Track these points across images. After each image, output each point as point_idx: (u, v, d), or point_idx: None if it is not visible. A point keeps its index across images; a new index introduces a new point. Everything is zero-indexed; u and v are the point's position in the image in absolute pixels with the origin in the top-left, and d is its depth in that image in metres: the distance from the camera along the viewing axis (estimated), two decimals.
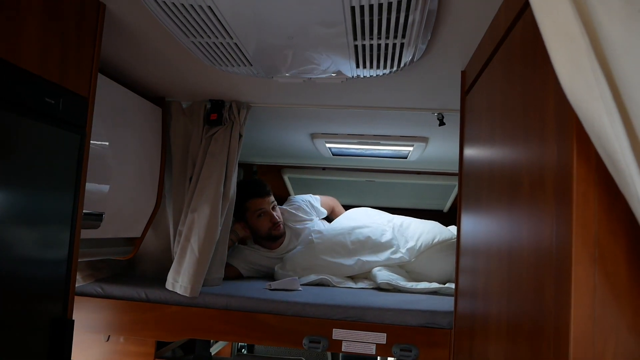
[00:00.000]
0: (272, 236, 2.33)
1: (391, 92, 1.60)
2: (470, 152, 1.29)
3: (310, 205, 2.58)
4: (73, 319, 1.08)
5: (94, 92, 1.09)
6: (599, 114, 0.53)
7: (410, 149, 2.35)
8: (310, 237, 2.28)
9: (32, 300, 1.00)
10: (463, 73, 1.39)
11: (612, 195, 0.59)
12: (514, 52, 0.90)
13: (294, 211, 2.50)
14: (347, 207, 2.73)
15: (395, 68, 1.29)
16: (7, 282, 0.92)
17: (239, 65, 1.32)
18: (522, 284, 0.77)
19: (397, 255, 2.17)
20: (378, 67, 1.27)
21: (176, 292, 1.72)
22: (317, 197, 2.69)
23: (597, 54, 0.53)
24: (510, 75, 0.91)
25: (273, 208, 2.35)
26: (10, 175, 0.89)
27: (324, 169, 3.10)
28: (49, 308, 1.05)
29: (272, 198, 2.37)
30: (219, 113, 1.77)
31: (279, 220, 2.34)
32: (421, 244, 2.16)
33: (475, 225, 1.17)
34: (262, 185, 2.37)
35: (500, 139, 0.97)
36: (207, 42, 1.16)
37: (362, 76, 1.35)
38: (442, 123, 1.81)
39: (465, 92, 1.37)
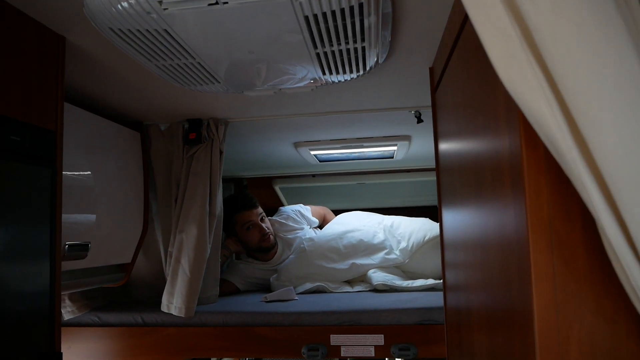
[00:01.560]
0: (263, 248, 2.33)
1: (364, 95, 1.61)
2: (443, 147, 1.30)
3: (301, 215, 2.59)
4: (61, 351, 1.07)
5: (62, 125, 1.09)
6: (538, 104, 0.53)
7: (395, 148, 2.35)
8: (302, 246, 2.29)
9: (17, 337, 1.00)
10: (431, 69, 1.40)
11: (565, 181, 0.60)
12: (469, 47, 0.91)
13: (283, 221, 2.50)
14: (340, 212, 2.73)
15: (362, 72, 1.30)
16: None
17: (207, 84, 1.33)
18: (493, 275, 0.77)
19: (391, 257, 2.18)
20: (344, 72, 1.28)
21: (172, 314, 1.72)
22: (308, 207, 2.70)
23: (529, 46, 0.53)
24: (468, 71, 0.92)
25: (262, 219, 2.36)
26: None
27: (313, 176, 3.10)
28: (35, 342, 1.05)
29: (259, 210, 2.38)
30: (197, 132, 1.78)
31: (268, 231, 2.35)
32: (413, 244, 2.17)
33: (454, 220, 1.17)
34: (248, 198, 2.39)
35: (465, 134, 0.97)
36: (170, 65, 1.17)
37: (330, 82, 1.36)
38: (420, 120, 1.82)
39: (434, 89, 1.38)
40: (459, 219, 1.10)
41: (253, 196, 2.42)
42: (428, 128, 2.01)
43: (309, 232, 2.52)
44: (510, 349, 0.68)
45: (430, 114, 1.79)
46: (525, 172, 0.60)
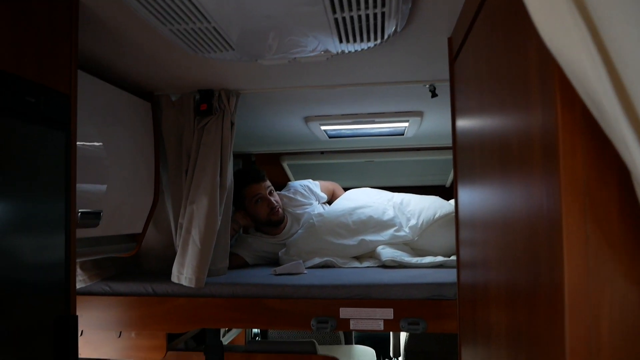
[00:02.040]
0: (272, 221, 2.33)
1: (379, 67, 1.58)
2: (462, 122, 1.28)
3: (309, 190, 2.58)
4: (77, 314, 1.08)
5: (76, 89, 1.08)
6: (579, 57, 0.51)
7: (406, 124, 2.32)
8: (311, 221, 2.28)
9: (34, 302, 1.00)
10: (449, 40, 1.36)
11: (600, 143, 0.58)
12: (495, 14, 0.88)
13: (292, 196, 2.49)
14: (348, 190, 2.72)
15: (379, 40, 1.27)
16: (7, 286, 0.92)
17: (222, 51, 1.30)
18: (516, 246, 0.76)
19: (401, 234, 2.17)
20: (362, 40, 1.25)
21: (182, 284, 1.73)
22: (317, 182, 2.68)
23: None
24: (494, 39, 0.89)
25: (270, 193, 2.35)
26: None
27: (322, 152, 3.08)
28: (51, 308, 1.05)
29: (267, 183, 2.36)
30: (208, 103, 1.76)
31: (276, 204, 2.34)
32: (422, 221, 2.15)
33: (472, 197, 1.16)
34: (256, 171, 2.37)
35: (488, 108, 0.95)
36: (185, 29, 1.14)
37: (346, 51, 1.33)
38: (434, 94, 1.79)
39: (452, 59, 1.35)
40: (477, 196, 1.08)
41: (262, 170, 2.40)
42: (441, 104, 1.99)
43: (317, 208, 2.52)
44: (534, 320, 0.67)
45: (445, 88, 1.78)
46: (560, 133, 0.58)
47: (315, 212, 2.42)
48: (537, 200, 0.66)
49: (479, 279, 1.08)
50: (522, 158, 0.72)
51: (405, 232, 2.17)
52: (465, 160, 1.24)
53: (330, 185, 2.77)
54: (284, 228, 2.38)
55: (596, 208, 0.57)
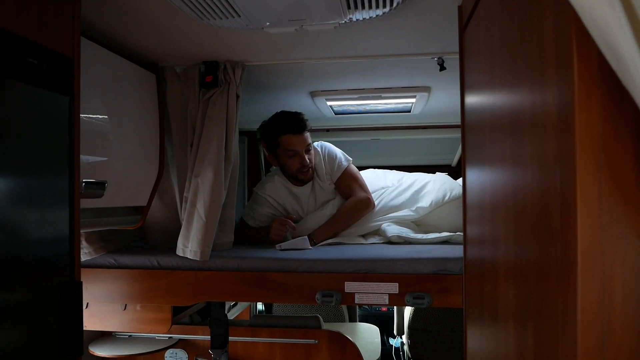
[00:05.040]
0: (299, 179, 2.18)
1: (387, 38, 1.55)
2: (471, 96, 1.25)
3: (332, 167, 2.27)
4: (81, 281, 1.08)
5: (79, 53, 1.06)
6: (600, 6, 0.49)
7: (413, 100, 2.30)
8: (324, 212, 2.20)
9: (40, 269, 1.00)
10: (460, 8, 1.33)
11: (618, 97, 0.56)
12: None
13: (322, 166, 2.24)
14: None
15: (388, 8, 1.24)
16: (14, 254, 0.92)
17: (227, 18, 1.28)
18: (528, 217, 0.74)
19: (408, 214, 2.15)
20: (370, 7, 1.22)
21: (187, 258, 1.73)
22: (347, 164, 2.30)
23: None
24: (506, 6, 0.86)
25: (307, 149, 2.14)
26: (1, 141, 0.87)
27: (327, 130, 3.06)
28: (57, 275, 1.05)
29: (308, 137, 2.14)
30: (213, 75, 1.74)
31: (309, 164, 2.14)
32: (431, 203, 2.13)
33: (481, 174, 1.14)
34: (298, 120, 2.12)
35: (500, 74, 0.92)
36: None
37: (354, 19, 1.30)
38: (442, 68, 1.76)
39: (462, 29, 1.32)
40: (487, 173, 1.06)
41: (306, 119, 2.15)
42: (448, 79, 1.96)
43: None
44: (545, 285, 0.66)
45: (454, 62, 1.74)
46: (575, 88, 0.56)
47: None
48: (550, 167, 0.64)
49: (487, 254, 1.07)
50: (535, 128, 0.70)
51: (411, 211, 2.15)
52: (474, 136, 1.22)
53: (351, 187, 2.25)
54: (308, 183, 2.23)
55: (611, 164, 0.56)
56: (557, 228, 0.62)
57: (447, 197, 2.11)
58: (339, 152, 2.28)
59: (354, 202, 2.16)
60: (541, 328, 0.68)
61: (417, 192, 2.22)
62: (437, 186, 2.19)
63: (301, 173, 2.14)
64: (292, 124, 2.10)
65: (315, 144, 2.27)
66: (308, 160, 2.12)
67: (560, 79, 0.61)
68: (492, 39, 0.99)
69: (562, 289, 0.60)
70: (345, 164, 2.24)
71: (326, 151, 2.25)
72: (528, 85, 0.74)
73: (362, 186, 2.21)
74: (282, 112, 2.18)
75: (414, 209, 2.15)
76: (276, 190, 2.23)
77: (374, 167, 2.53)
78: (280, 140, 2.12)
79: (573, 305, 0.57)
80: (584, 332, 0.56)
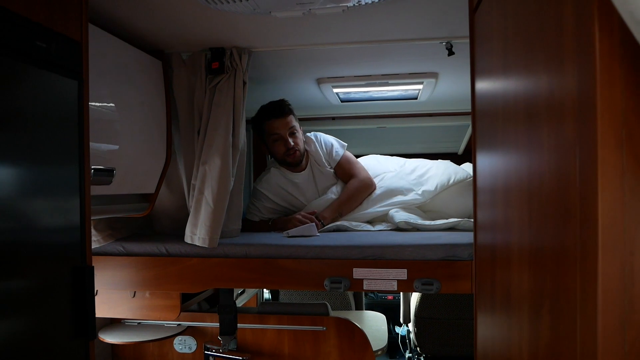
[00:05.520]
0: (287, 162, 2.22)
1: (395, 21, 1.53)
2: (482, 81, 1.23)
3: (329, 151, 2.34)
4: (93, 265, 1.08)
5: (87, 37, 1.05)
6: None
7: (420, 87, 2.28)
8: (330, 197, 2.23)
9: (53, 255, 1.01)
10: None
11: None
12: None
13: (313, 153, 2.31)
14: (359, 157, 2.66)
15: None
16: (27, 241, 0.92)
17: (235, 2, 1.26)
18: (544, 199, 0.73)
19: (413, 197, 2.15)
20: None
21: (195, 245, 1.73)
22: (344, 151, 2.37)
23: None
24: None
25: (292, 132, 2.18)
26: (10, 124, 0.87)
27: (333, 118, 3.05)
28: (69, 260, 1.05)
29: (290, 120, 2.17)
30: (220, 61, 1.73)
31: (293, 146, 2.16)
32: (436, 186, 2.13)
33: (492, 160, 1.12)
34: (279, 105, 2.18)
35: (514, 62, 0.90)
36: None
37: (363, 2, 1.28)
38: (451, 53, 1.74)
39: (473, 10, 1.30)
40: (499, 160, 1.05)
41: (288, 103, 2.20)
42: (456, 65, 1.94)
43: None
44: (563, 267, 0.65)
45: (462, 46, 1.72)
46: (597, 53, 0.55)
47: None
48: (569, 145, 0.63)
49: (499, 239, 1.06)
50: (553, 107, 0.69)
51: (417, 195, 2.15)
52: (485, 121, 1.20)
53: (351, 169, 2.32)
54: (302, 170, 2.27)
55: (633, 140, 0.55)
56: (576, 208, 0.61)
57: (452, 180, 2.11)
58: (333, 139, 2.37)
59: (357, 183, 2.23)
60: (558, 311, 0.68)
61: (421, 176, 2.23)
62: (440, 170, 2.20)
63: (288, 156, 2.19)
64: (272, 108, 2.18)
65: (309, 134, 2.35)
66: (292, 143, 2.16)
67: (581, 54, 0.59)
68: (505, 20, 0.97)
69: (581, 270, 0.59)
70: (342, 150, 2.33)
71: (321, 139, 2.33)
72: (545, 66, 0.73)
73: (361, 168, 2.29)
74: (269, 102, 2.25)
75: (419, 192, 2.14)
76: (275, 180, 2.26)
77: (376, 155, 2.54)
78: (264, 127, 2.19)
79: (593, 285, 0.56)
80: (605, 312, 0.55)
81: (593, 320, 0.56)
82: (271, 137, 2.18)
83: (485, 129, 1.19)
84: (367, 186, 2.23)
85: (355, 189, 2.21)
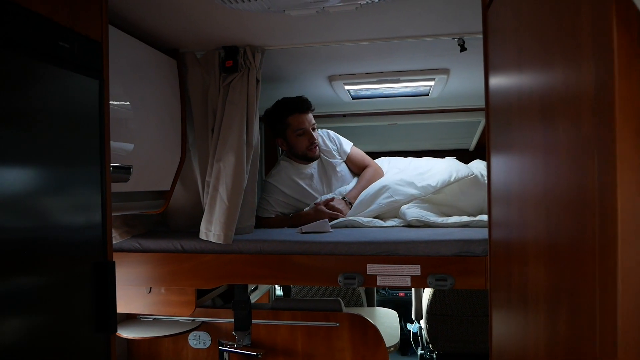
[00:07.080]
0: (308, 157, 2.33)
1: (408, 18, 1.54)
2: (496, 77, 1.23)
3: (339, 144, 2.50)
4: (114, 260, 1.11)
5: (107, 38, 1.07)
6: None
7: (432, 83, 2.28)
8: (346, 186, 2.33)
9: (75, 251, 1.03)
10: None
11: None
12: None
13: (330, 148, 2.47)
14: (369, 154, 2.66)
15: None
16: (51, 237, 0.95)
17: (249, 0, 1.28)
18: (561, 195, 0.73)
19: (414, 192, 2.15)
20: None
21: (210, 241, 1.76)
22: (350, 143, 2.53)
23: None
24: None
25: (313, 128, 2.32)
26: (34, 124, 0.89)
27: (344, 116, 3.05)
28: (91, 256, 1.08)
29: (312, 116, 2.32)
30: (233, 60, 1.75)
31: (316, 141, 2.32)
32: (437, 182, 2.14)
33: (507, 157, 1.12)
34: (304, 100, 2.30)
35: (528, 58, 0.90)
36: None
37: (376, 0, 1.29)
38: (463, 49, 1.74)
39: (486, 6, 1.30)
40: (514, 159, 1.05)
41: (308, 100, 2.32)
42: (468, 61, 1.94)
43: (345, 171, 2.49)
44: (581, 262, 0.66)
45: (474, 42, 1.72)
46: (615, 47, 0.56)
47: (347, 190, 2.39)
48: (586, 140, 0.63)
49: (514, 235, 1.06)
50: (570, 102, 0.69)
51: (418, 190, 2.15)
52: (500, 118, 1.20)
53: (364, 161, 2.51)
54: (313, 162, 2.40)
55: None
56: (595, 202, 0.61)
57: (453, 177, 2.12)
58: (339, 135, 2.54)
59: (373, 169, 2.45)
60: (576, 306, 0.68)
61: (424, 173, 2.26)
62: (442, 168, 2.21)
63: (309, 150, 2.31)
64: (299, 103, 2.28)
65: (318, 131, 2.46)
66: (315, 137, 2.31)
67: (598, 49, 0.60)
68: (519, 15, 0.97)
69: (600, 265, 0.60)
70: (350, 144, 2.52)
71: (330, 134, 2.51)
72: (561, 61, 0.73)
73: (371, 159, 2.52)
74: (285, 97, 2.35)
75: (420, 186, 2.15)
76: (286, 172, 2.35)
77: (391, 153, 2.60)
78: (288, 121, 2.28)
79: (613, 280, 0.56)
80: (624, 307, 0.55)
81: (613, 316, 0.56)
82: (296, 131, 2.28)
83: (499, 124, 1.20)
84: (380, 172, 2.44)
85: (373, 174, 2.41)
